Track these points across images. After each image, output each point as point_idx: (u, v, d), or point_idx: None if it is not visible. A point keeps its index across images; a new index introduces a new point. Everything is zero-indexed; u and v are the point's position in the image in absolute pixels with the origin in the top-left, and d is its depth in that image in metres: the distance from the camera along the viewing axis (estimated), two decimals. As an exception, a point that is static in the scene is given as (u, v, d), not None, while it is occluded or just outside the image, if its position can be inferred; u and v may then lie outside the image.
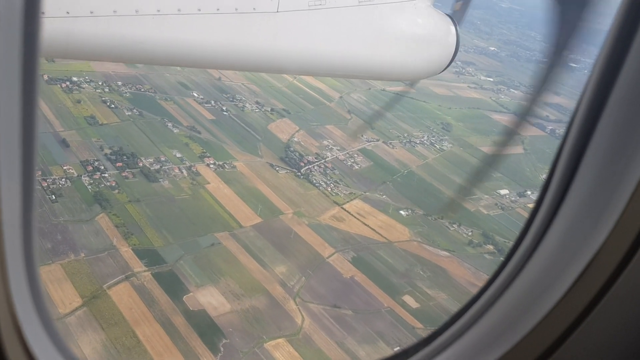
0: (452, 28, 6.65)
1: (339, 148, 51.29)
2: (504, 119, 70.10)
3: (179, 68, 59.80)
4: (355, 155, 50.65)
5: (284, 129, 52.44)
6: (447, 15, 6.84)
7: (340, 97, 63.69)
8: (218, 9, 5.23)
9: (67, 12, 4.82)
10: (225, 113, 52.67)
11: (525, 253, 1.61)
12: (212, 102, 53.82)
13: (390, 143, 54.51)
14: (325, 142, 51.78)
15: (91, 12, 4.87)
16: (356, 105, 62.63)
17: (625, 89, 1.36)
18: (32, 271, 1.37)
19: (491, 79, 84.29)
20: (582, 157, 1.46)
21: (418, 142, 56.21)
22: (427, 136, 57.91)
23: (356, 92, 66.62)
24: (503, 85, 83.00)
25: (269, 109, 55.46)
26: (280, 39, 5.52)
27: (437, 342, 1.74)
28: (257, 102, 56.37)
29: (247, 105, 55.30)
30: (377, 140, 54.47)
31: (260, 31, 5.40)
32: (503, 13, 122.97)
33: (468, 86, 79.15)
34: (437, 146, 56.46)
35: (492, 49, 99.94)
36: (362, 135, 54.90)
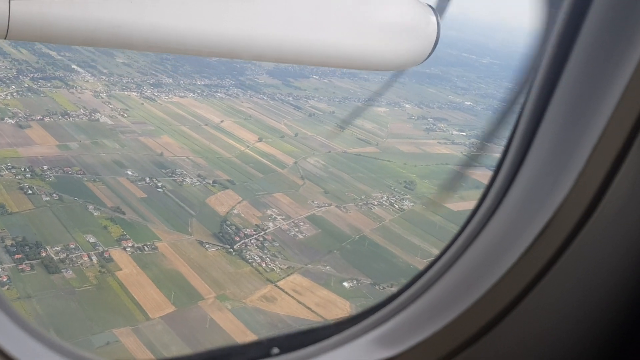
0: (433, 18, 6.47)
1: (283, 217, 46.47)
2: (474, 172, 65.61)
3: (117, 146, 56.40)
4: (301, 224, 45.71)
5: (224, 202, 47.91)
6: (428, 5, 6.73)
7: (295, 162, 59.63)
8: None
9: None
10: (159, 190, 48.35)
11: (486, 213, 1.63)
12: (147, 179, 49.68)
13: (344, 207, 49.67)
14: (269, 212, 47.05)
15: None
16: (312, 170, 58.43)
17: (579, 64, 1.45)
18: None
19: (464, 134, 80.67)
20: (543, 116, 1.52)
21: (376, 203, 51.35)
22: (387, 196, 53.10)
23: (314, 156, 62.71)
24: (477, 138, 79.23)
25: (210, 181, 51.18)
26: (260, 24, 5.52)
27: (400, 299, 1.74)
28: (199, 175, 52.23)
29: (187, 179, 51.14)
30: (329, 205, 49.73)
31: (239, 16, 5.43)
32: (483, 69, 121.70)
33: (438, 142, 75.30)
34: (397, 206, 51.56)
35: (468, 103, 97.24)
36: (313, 201, 50.30)
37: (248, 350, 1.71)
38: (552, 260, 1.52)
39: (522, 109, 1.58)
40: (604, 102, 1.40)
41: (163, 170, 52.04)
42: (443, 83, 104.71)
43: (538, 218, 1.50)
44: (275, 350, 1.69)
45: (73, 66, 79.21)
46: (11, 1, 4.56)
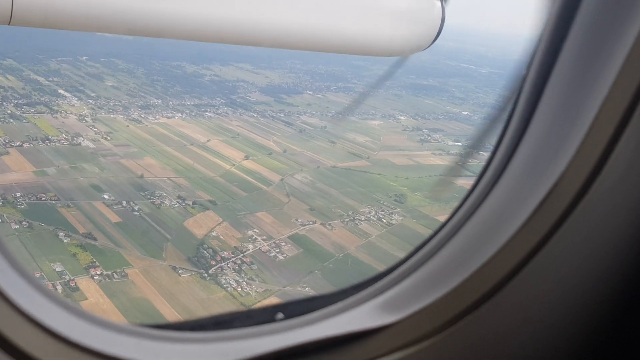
0: (437, 2, 6.48)
1: (264, 237, 44.46)
2: (469, 183, 63.39)
3: (97, 169, 54.90)
4: (283, 244, 43.66)
5: (203, 224, 46.02)
6: None
7: (282, 179, 57.80)
8: None
9: None
10: (135, 213, 46.57)
11: (489, 182, 1.70)
12: (124, 202, 47.94)
13: (329, 224, 47.61)
14: (249, 233, 45.08)
15: None
16: (299, 186, 56.54)
17: (580, 35, 1.49)
18: None
19: (460, 144, 78.70)
20: (544, 89, 1.56)
21: (363, 219, 49.26)
22: (375, 211, 51.02)
23: (302, 172, 60.86)
24: (465, 146, 77.21)
25: (190, 203, 49.37)
26: (264, 11, 5.49)
27: (403, 267, 1.80)
28: (179, 197, 50.46)
29: (166, 201, 49.37)
30: (314, 223, 47.69)
31: (243, 3, 5.40)
32: (482, 79, 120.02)
33: (432, 153, 73.34)
34: (385, 221, 49.43)
35: (465, 113, 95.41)
36: (297, 219, 48.31)
37: (253, 315, 1.73)
38: (554, 228, 1.55)
39: (524, 79, 1.58)
40: (604, 71, 1.42)
41: (142, 193, 50.34)
42: (440, 94, 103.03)
43: (540, 187, 1.54)
44: (280, 315, 1.73)
45: (60, 91, 78.34)
46: None
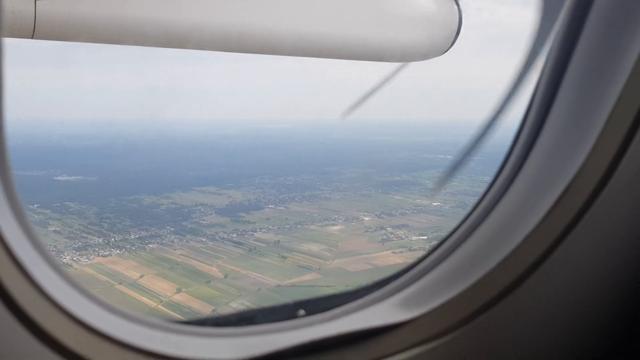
0: (455, 7, 6.55)
1: (170, 390, 36.66)
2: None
3: None
4: (190, 396, 35.80)
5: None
6: None
7: (214, 310, 50.99)
8: None
9: None
10: (20, 381, 38.94)
11: (505, 180, 1.74)
12: (11, 369, 40.48)
13: None
14: (154, 386, 37.34)
15: None
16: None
17: (593, 34, 1.52)
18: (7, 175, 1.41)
19: (425, 237, 72.81)
20: (558, 89, 1.59)
21: (297, 346, 41.77)
22: (313, 334, 43.64)
23: (241, 297, 54.06)
24: (439, 240, 71.33)
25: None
26: (281, 19, 5.46)
27: (423, 264, 1.84)
28: (82, 351, 43.08)
29: (64, 359, 41.95)
30: None
31: (260, 11, 5.34)
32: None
33: (392, 252, 66.88)
34: (323, 345, 41.97)
35: (436, 204, 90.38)
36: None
37: (275, 311, 1.79)
38: (570, 226, 1.57)
39: (539, 80, 1.61)
40: (617, 73, 1.45)
41: (38, 353, 43.06)
42: (412, 188, 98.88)
43: (556, 185, 1.57)
44: (302, 312, 1.81)
45: (-9, 245, 73.27)
46: (37, 1, 4.51)
